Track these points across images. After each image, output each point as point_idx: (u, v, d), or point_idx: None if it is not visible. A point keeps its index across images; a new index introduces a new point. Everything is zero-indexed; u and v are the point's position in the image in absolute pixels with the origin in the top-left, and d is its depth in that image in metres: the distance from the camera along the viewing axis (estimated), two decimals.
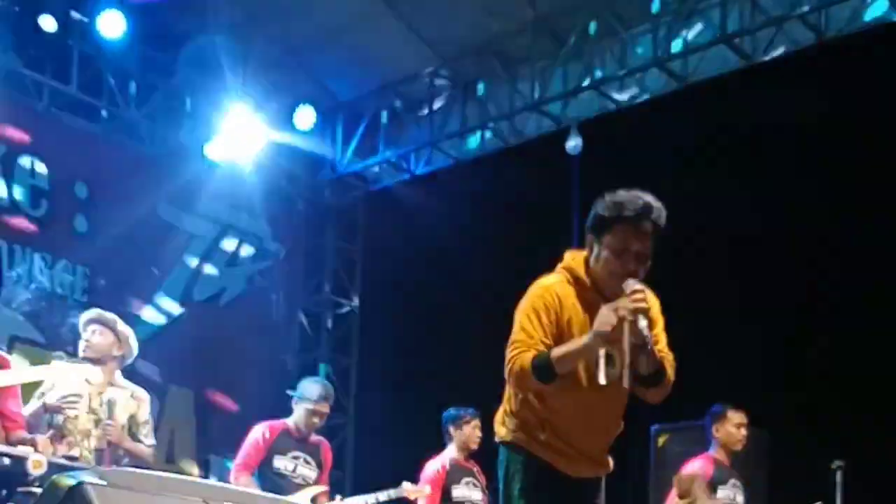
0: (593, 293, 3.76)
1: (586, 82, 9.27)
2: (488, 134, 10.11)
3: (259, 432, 6.42)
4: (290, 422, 6.49)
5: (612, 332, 3.54)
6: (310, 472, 6.39)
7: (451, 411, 7.10)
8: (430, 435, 7.91)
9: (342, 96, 10.79)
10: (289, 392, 6.59)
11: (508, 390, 3.87)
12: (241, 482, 6.07)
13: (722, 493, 6.54)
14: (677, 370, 3.83)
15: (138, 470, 4.89)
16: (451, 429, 7.06)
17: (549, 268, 3.95)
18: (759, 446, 6.76)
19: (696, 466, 6.57)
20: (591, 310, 3.72)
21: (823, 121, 8.42)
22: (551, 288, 3.79)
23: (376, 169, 10.90)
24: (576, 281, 3.80)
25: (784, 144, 8.76)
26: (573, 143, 8.93)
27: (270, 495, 5.78)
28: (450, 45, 9.99)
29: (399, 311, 10.44)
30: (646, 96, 9.22)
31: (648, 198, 3.72)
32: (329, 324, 11.17)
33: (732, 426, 6.60)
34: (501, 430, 3.92)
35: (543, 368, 3.62)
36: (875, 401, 7.61)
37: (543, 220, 9.09)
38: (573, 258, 3.85)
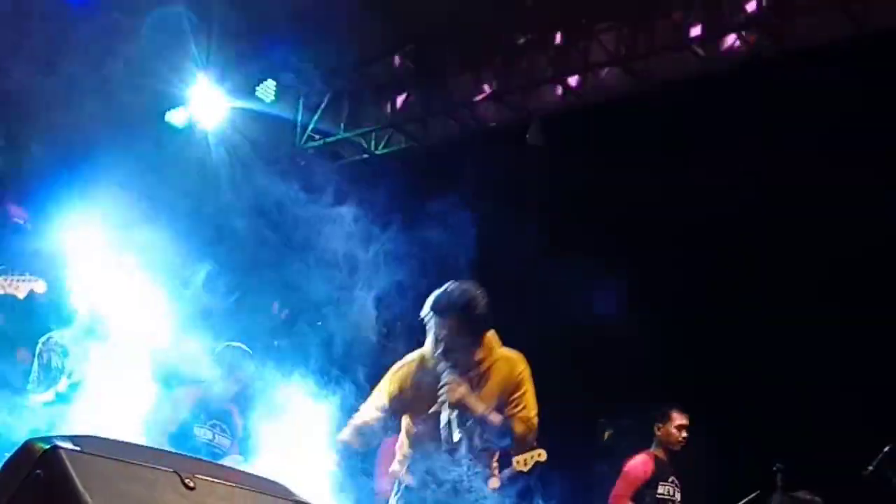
0: (432, 373, 4.09)
1: None
2: None
3: (180, 397, 6.19)
4: (210, 388, 6.32)
5: None
6: (225, 440, 6.34)
7: None
8: None
9: (306, 72, 10.78)
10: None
11: None
12: None
13: (662, 489, 6.75)
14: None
15: (111, 437, 4.95)
16: None
17: None
18: (697, 445, 6.93)
19: (637, 463, 6.74)
20: (427, 389, 4.07)
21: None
22: (412, 362, 4.15)
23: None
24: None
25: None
26: None
27: (237, 465, 5.83)
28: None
29: None
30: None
31: (462, 291, 3.87)
32: None
33: (674, 427, 6.79)
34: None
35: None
36: (814, 406, 7.74)
37: None
38: None
